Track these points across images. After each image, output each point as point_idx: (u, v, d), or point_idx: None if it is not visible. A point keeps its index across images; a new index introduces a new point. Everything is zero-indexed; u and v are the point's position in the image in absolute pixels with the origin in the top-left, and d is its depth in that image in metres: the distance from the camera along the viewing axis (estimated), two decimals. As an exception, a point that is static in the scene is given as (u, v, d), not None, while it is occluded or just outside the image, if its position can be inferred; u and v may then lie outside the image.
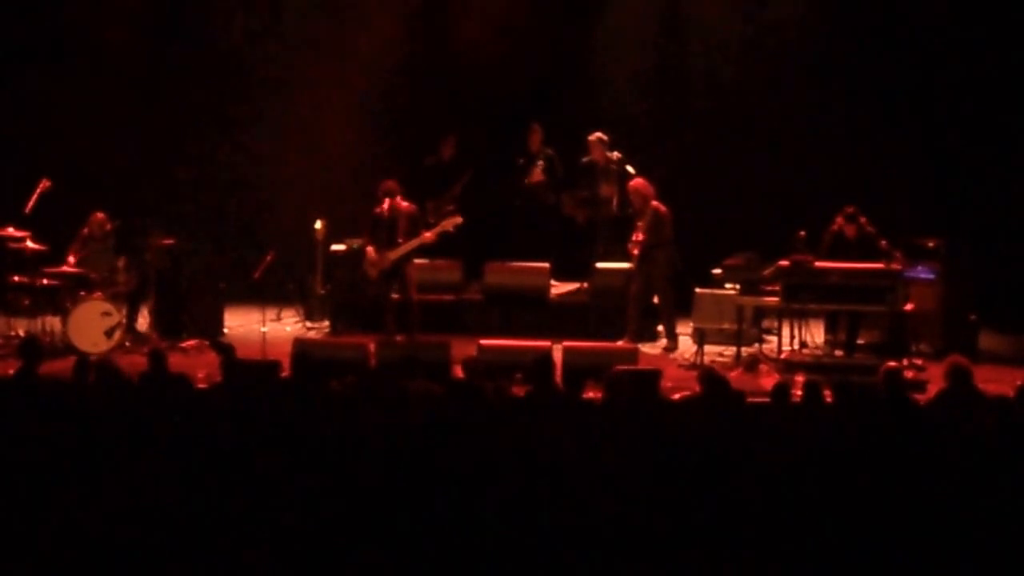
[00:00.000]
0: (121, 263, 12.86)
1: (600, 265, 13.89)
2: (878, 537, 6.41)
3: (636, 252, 12.95)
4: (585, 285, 14.11)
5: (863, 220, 12.26)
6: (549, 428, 7.73)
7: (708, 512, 6.56)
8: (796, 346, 12.37)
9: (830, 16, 15.24)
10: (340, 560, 6.31)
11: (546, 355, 9.18)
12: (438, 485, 6.74)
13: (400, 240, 12.53)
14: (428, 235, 12.61)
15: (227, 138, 15.69)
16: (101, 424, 7.88)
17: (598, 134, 13.90)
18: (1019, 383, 8.59)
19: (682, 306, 13.52)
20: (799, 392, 8.80)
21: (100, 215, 12.99)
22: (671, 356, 12.82)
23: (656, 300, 13.22)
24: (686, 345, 13.08)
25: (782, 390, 8.50)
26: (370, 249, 12.62)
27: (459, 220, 12.88)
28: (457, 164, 14.45)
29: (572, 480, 6.87)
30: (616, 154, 13.77)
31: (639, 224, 12.99)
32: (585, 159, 13.95)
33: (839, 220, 12.24)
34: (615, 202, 13.80)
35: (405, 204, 12.64)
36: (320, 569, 6.30)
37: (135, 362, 11.34)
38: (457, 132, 14.51)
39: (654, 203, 12.92)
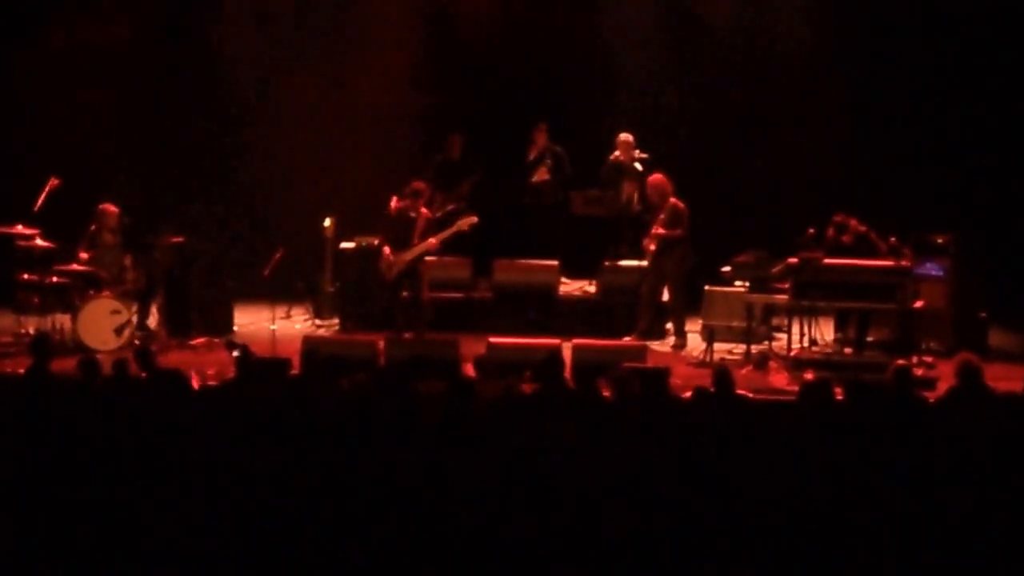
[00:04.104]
0: (130, 261, 12.86)
1: (609, 262, 13.89)
2: (887, 534, 6.41)
3: (652, 247, 12.93)
4: (593, 283, 14.10)
5: (853, 223, 12.26)
6: (559, 426, 7.73)
7: (717, 510, 6.56)
8: (806, 344, 12.35)
9: (840, 11, 15.21)
10: (348, 557, 6.32)
11: (555, 353, 9.17)
12: (447, 483, 6.74)
13: (415, 241, 12.52)
14: (441, 236, 12.57)
15: (236, 136, 15.69)
16: (110, 422, 7.90)
17: (626, 134, 13.91)
18: None
19: (691, 304, 13.52)
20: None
21: (111, 207, 12.98)
22: (680, 353, 12.81)
23: (667, 297, 13.21)
24: (695, 343, 13.07)
25: (812, 388, 8.45)
26: (386, 250, 12.61)
27: (474, 220, 12.86)
28: (465, 162, 14.46)
29: (581, 478, 6.87)
30: (641, 154, 13.76)
31: (659, 218, 12.97)
32: (612, 157, 13.93)
33: (830, 232, 12.25)
34: (636, 201, 13.81)
35: (424, 209, 12.66)
36: (328, 565, 6.30)
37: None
38: (463, 131, 14.50)
39: (672, 199, 12.91)
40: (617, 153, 14.01)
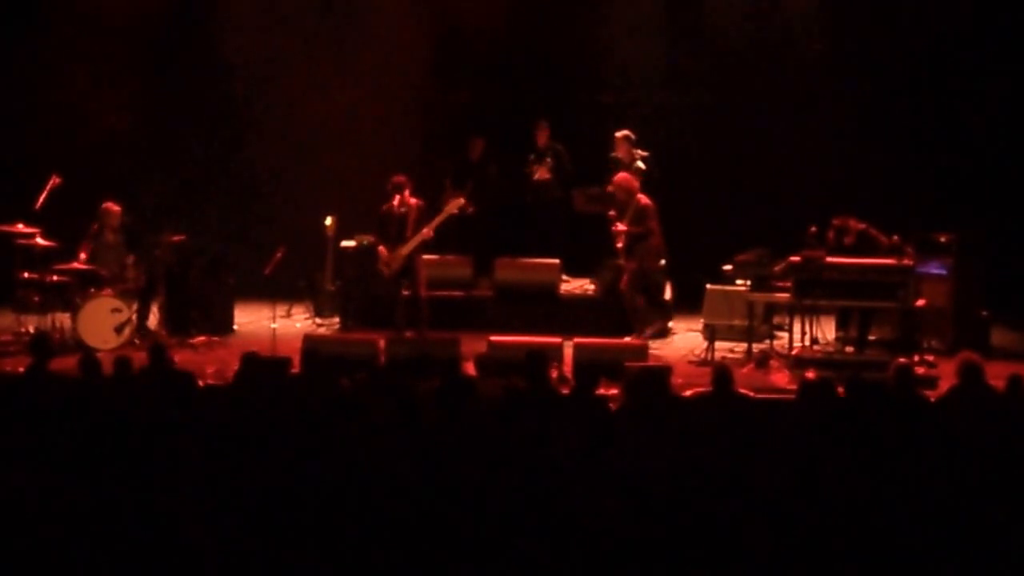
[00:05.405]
0: (131, 260, 12.85)
1: (610, 261, 13.88)
2: (888, 532, 6.40)
3: (620, 245, 12.89)
4: (594, 281, 14.08)
5: (852, 222, 12.26)
6: (558, 425, 7.73)
7: (717, 509, 6.54)
8: (807, 342, 12.33)
9: (841, 10, 15.20)
10: (348, 556, 6.31)
11: (539, 352, 9.09)
12: (447, 481, 6.73)
13: (409, 235, 12.51)
14: (432, 226, 12.52)
15: (237, 135, 15.69)
16: (111, 420, 7.90)
17: (625, 132, 13.87)
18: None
19: (692, 302, 13.53)
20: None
21: (114, 206, 12.96)
22: (654, 343, 12.72)
23: (668, 295, 13.19)
24: (696, 341, 13.06)
25: (810, 387, 8.44)
26: (382, 249, 12.59)
27: (462, 201, 12.92)
28: (482, 165, 14.45)
29: (579, 477, 6.86)
30: (642, 152, 13.74)
31: (612, 215, 12.92)
32: (612, 155, 13.90)
33: (831, 235, 12.25)
34: None
35: (413, 200, 12.62)
36: (328, 564, 6.29)
37: (145, 359, 11.36)
38: (485, 134, 14.49)
39: (638, 195, 12.86)
40: (617, 152, 13.94)
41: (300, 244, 13.99)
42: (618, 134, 13.86)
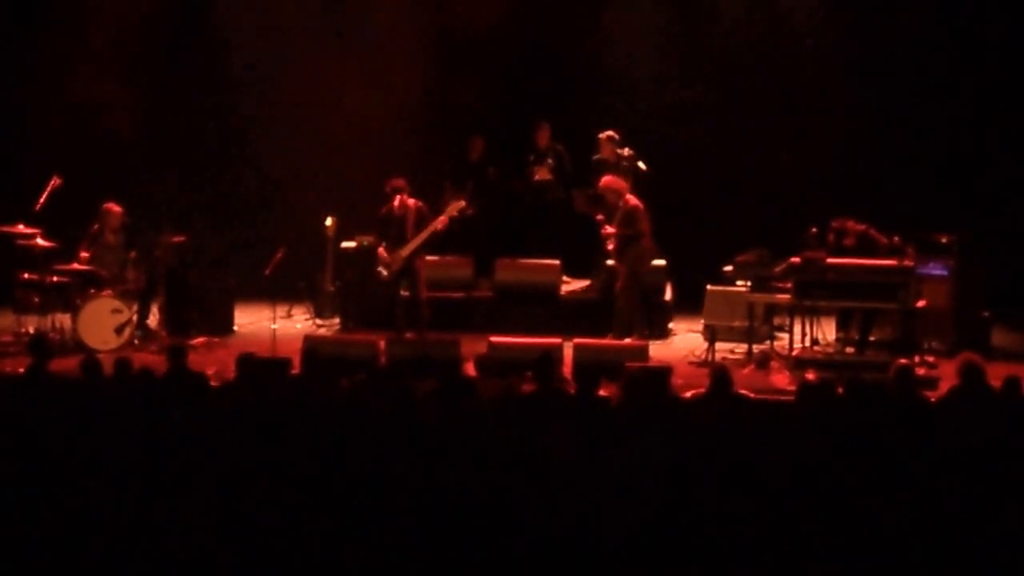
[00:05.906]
0: (131, 260, 12.85)
1: (611, 262, 13.87)
2: (888, 534, 6.39)
3: (611, 247, 12.87)
4: (592, 281, 14.07)
5: (851, 224, 12.26)
6: (558, 426, 7.72)
7: (719, 511, 6.54)
8: (808, 343, 12.32)
9: (844, 9, 15.20)
10: (348, 556, 6.30)
11: (549, 353, 9.10)
12: (447, 482, 6.73)
13: (409, 237, 12.50)
14: (435, 225, 12.51)
15: (238, 135, 15.69)
16: (112, 421, 7.89)
17: (608, 132, 13.83)
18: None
19: (693, 303, 13.51)
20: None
21: (115, 207, 12.95)
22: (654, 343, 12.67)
23: (668, 295, 13.16)
24: (697, 342, 13.05)
25: (809, 388, 8.43)
26: (381, 250, 12.59)
27: (462, 204, 12.90)
28: (481, 165, 14.43)
29: (579, 478, 6.86)
30: (627, 151, 13.69)
31: (601, 218, 12.89)
32: (596, 157, 13.87)
33: (830, 238, 12.25)
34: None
35: (412, 201, 12.62)
36: (328, 565, 6.29)
37: (145, 360, 11.36)
38: (484, 134, 14.47)
39: (627, 196, 12.83)
40: (602, 153, 13.87)
41: (300, 244, 13.98)
42: (602, 135, 13.81)
